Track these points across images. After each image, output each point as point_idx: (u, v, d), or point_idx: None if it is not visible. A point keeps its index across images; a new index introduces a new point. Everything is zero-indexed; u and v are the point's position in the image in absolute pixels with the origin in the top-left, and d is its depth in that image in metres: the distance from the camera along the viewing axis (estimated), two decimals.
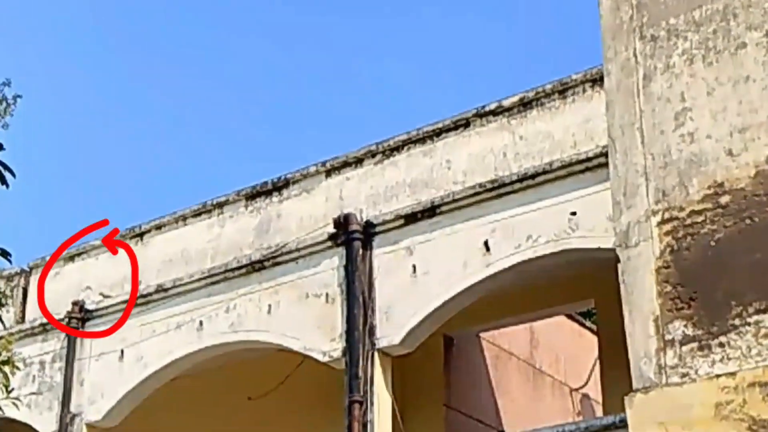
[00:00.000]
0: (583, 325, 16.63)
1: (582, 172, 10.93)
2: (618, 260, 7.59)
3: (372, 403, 11.48)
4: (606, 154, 8.52)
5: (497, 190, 11.41)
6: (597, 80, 11.04)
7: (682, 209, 7.22)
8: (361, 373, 11.53)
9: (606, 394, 12.90)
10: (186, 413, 14.81)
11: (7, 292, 14.66)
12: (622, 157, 7.70)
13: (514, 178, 11.34)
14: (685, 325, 6.92)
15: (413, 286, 11.65)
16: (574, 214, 10.84)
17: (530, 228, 11.08)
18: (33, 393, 13.71)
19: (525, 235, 11.09)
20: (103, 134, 40.78)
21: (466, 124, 12.11)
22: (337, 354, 11.83)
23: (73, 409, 13.58)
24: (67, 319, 14.00)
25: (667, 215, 7.27)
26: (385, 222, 12.04)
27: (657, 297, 7.08)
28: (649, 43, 7.80)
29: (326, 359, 11.97)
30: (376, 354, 11.62)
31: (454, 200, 11.64)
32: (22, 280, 15.06)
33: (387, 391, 11.68)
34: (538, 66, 37.09)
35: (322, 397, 13.11)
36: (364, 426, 11.39)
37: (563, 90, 11.58)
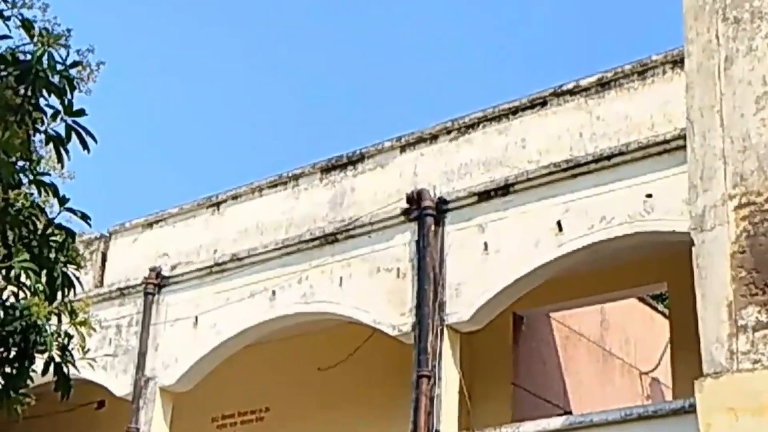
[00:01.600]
0: (654, 308, 16.45)
1: (659, 154, 10.78)
2: (692, 244, 7.49)
3: (440, 378, 11.49)
4: (684, 137, 8.40)
5: (572, 170, 11.30)
6: (677, 62, 10.85)
7: (759, 194, 7.10)
8: (429, 348, 11.54)
9: (676, 378, 12.76)
10: (256, 381, 15.00)
11: (86, 256, 14.96)
12: (701, 139, 7.59)
13: (590, 158, 11.22)
14: (759, 311, 6.81)
15: (484, 264, 11.62)
16: (649, 196, 10.70)
17: (604, 209, 10.96)
18: (109, 355, 13.97)
19: (599, 216, 10.98)
20: (184, 102, 41.24)
21: (542, 103, 12.00)
22: (407, 328, 11.86)
23: (147, 372, 13.82)
24: (144, 285, 14.23)
25: (744, 200, 7.15)
26: (458, 199, 12.00)
27: (731, 282, 6.98)
28: (731, 25, 7.66)
29: (396, 333, 12.01)
30: (445, 330, 11.62)
31: (528, 179, 11.56)
32: (102, 245, 15.34)
33: (455, 366, 11.68)
34: (617, 46, 36.60)
35: (391, 371, 13.17)
36: (431, 400, 11.42)
37: (642, 71, 11.42)
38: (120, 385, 14.03)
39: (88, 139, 5.48)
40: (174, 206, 14.86)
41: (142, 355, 13.89)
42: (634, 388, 16.06)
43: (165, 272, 14.22)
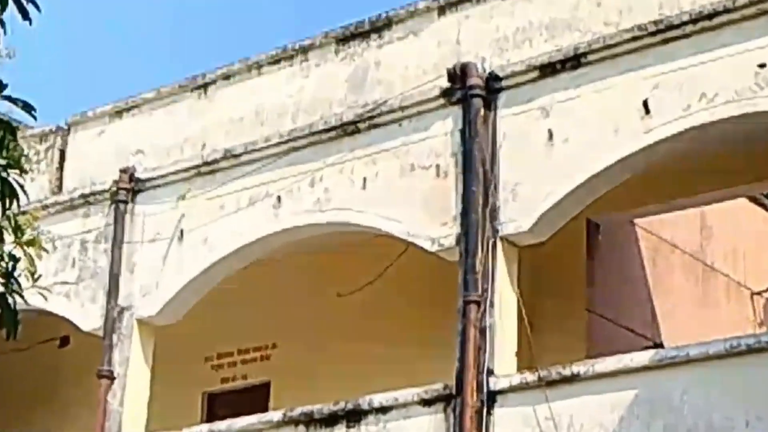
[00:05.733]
0: None
1: None
2: None
3: (492, 304, 11.58)
4: None
5: (662, 35, 11.23)
6: None
7: None
8: (479, 267, 11.61)
9: None
10: (260, 311, 15.16)
11: (39, 155, 15.01)
12: None
13: (686, 18, 11.13)
14: None
15: (549, 158, 11.62)
16: (762, 66, 10.64)
17: (704, 84, 10.92)
18: (67, 283, 14.10)
19: (697, 93, 10.93)
20: None
21: None
22: (450, 242, 11.91)
23: (121, 301, 13.98)
24: (113, 191, 14.31)
25: None
26: (514, 74, 11.96)
27: None
28: None
29: (435, 248, 12.08)
30: (498, 243, 11.69)
31: (606, 47, 11.51)
32: (59, 140, 15.38)
33: (512, 289, 11.75)
34: None
35: (430, 295, 13.29)
36: (482, 332, 11.51)
37: None
38: (87, 317, 14.23)
39: (30, 7, 5.45)
40: (149, 90, 14.85)
41: (114, 279, 14.04)
42: (743, 311, 16.13)
43: (140, 174, 14.29)
